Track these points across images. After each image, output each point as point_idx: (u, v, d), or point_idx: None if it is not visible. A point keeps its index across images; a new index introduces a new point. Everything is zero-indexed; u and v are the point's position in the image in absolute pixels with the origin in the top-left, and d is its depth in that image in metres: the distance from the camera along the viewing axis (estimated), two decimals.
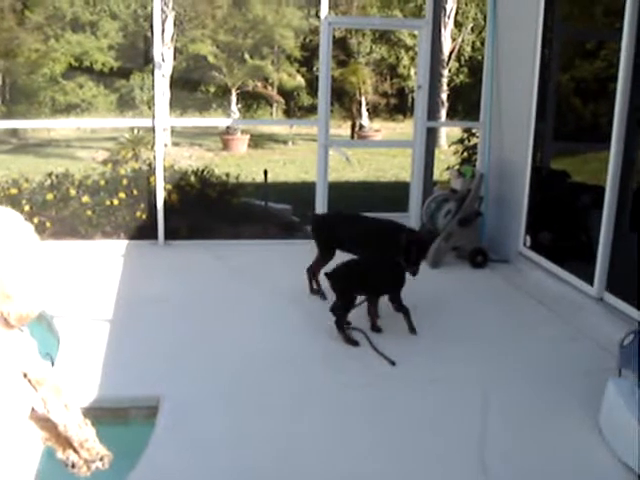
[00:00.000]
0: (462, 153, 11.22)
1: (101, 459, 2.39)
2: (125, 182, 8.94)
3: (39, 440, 2.40)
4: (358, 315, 5.87)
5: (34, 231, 2.20)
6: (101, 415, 4.54)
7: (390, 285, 5.86)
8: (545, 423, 4.53)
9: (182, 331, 5.92)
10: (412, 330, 5.84)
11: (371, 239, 6.42)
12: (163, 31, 20.68)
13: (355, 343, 5.61)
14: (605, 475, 3.97)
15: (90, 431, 2.39)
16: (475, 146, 9.87)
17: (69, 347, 5.47)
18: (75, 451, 2.36)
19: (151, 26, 8.60)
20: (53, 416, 2.31)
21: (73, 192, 8.78)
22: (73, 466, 2.37)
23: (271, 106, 27.76)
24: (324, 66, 8.55)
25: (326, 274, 5.86)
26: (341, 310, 5.72)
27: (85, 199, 8.72)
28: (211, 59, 25.04)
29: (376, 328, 5.89)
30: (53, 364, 5.14)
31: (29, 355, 2.27)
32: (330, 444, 4.22)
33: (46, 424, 2.36)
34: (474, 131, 10.48)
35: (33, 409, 2.35)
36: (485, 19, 9.04)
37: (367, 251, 6.34)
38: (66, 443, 2.36)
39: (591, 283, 6.43)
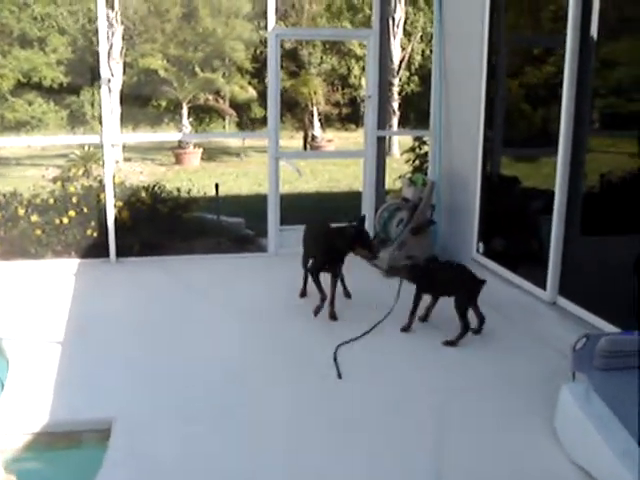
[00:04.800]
0: (414, 161, 11.22)
1: None
2: (75, 200, 8.81)
3: None
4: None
5: None
6: (53, 439, 4.48)
7: None
8: (501, 428, 4.54)
9: (135, 350, 5.83)
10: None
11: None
12: (111, 46, 20.57)
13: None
14: (561, 479, 3.98)
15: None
16: (426, 154, 9.90)
17: (19, 370, 5.36)
18: None
19: (98, 41, 8.51)
20: None
21: (22, 211, 8.64)
22: None
23: (223, 119, 27.71)
24: (273, 79, 8.53)
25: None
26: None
27: (34, 218, 8.58)
28: (162, 73, 24.99)
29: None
30: (3, 388, 5.04)
31: None
32: (288, 463, 4.16)
33: None
34: (425, 139, 10.51)
35: None
36: None
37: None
38: None
39: (544, 288, 6.48)
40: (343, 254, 6.52)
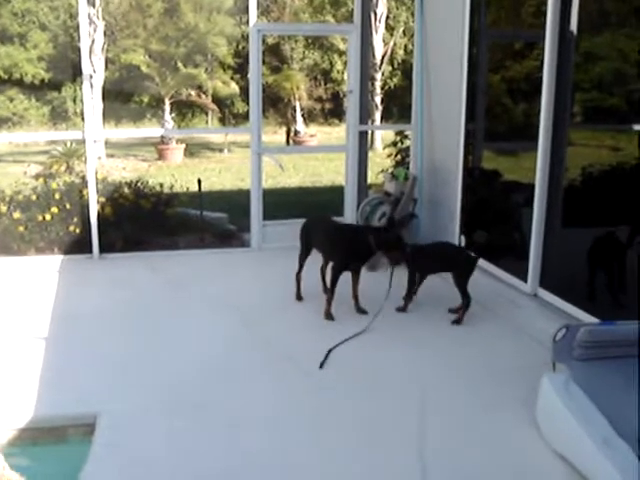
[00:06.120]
0: (396, 156, 11.25)
1: None
2: (58, 196, 8.79)
3: None
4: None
5: None
6: (38, 435, 4.49)
7: None
8: (483, 420, 4.59)
9: (119, 346, 5.84)
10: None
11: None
12: (93, 42, 20.46)
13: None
14: (543, 468, 4.04)
15: None
16: (408, 148, 9.93)
17: (3, 366, 5.38)
18: None
19: (80, 37, 8.48)
20: None
21: (4, 208, 8.62)
22: None
23: (206, 114, 27.61)
24: (255, 74, 8.52)
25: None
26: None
27: (17, 215, 8.56)
28: (144, 68, 24.81)
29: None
30: None
31: None
32: (271, 457, 4.19)
33: None
34: (407, 133, 10.53)
35: None
36: None
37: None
38: None
39: (525, 280, 6.54)
40: (372, 253, 6.46)
